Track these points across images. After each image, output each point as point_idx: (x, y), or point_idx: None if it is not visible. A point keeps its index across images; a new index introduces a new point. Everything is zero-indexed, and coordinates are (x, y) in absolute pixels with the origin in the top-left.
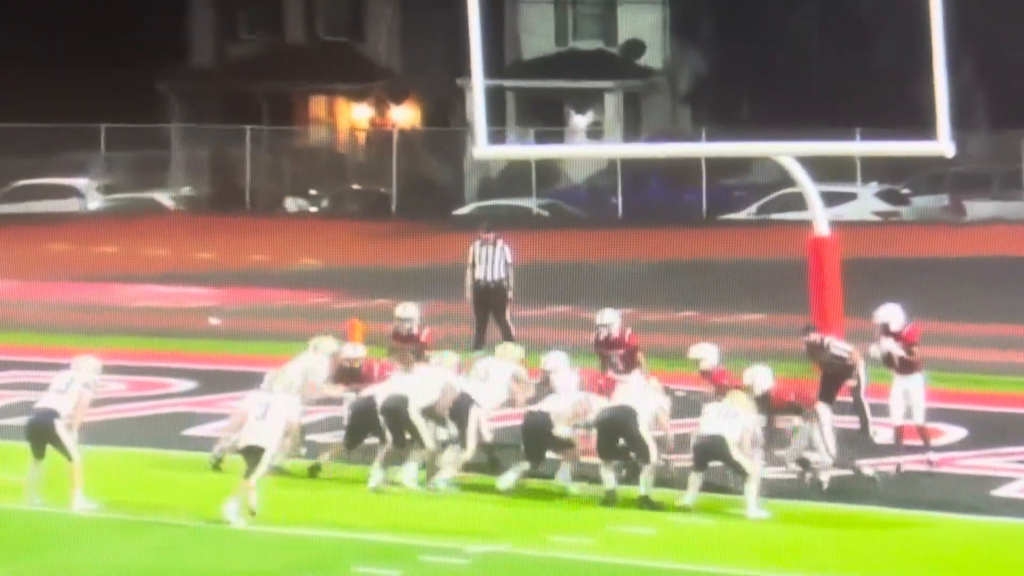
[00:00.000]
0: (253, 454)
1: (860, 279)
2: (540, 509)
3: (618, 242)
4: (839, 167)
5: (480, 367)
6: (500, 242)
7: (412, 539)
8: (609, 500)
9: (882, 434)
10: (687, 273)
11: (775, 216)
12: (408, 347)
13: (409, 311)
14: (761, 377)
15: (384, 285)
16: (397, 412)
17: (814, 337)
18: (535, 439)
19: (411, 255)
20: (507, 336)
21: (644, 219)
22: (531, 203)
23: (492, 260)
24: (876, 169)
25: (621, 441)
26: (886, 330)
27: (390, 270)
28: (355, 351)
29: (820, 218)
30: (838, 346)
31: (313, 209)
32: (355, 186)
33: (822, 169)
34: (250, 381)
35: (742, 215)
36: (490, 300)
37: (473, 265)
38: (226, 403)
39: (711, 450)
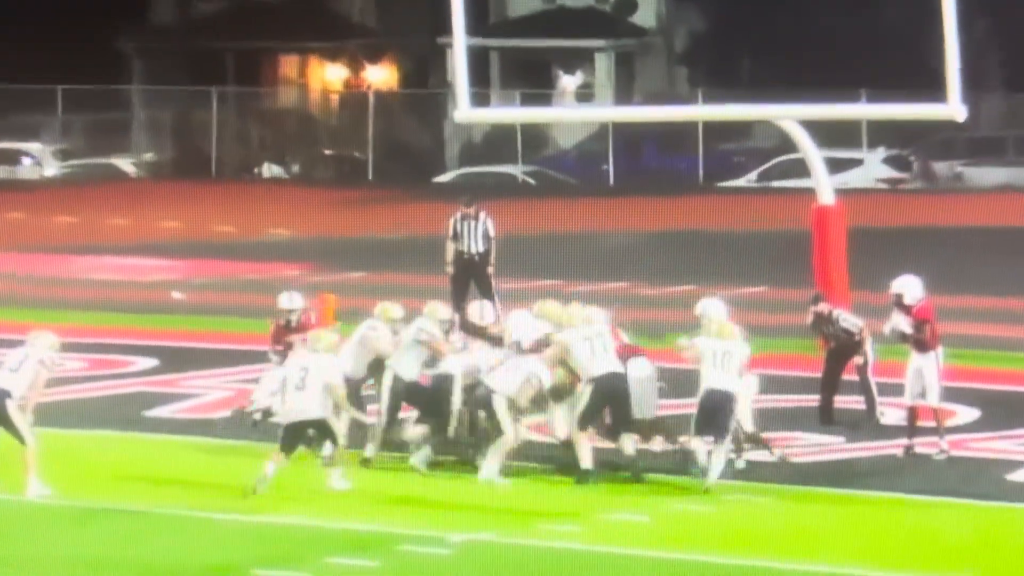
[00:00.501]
0: (312, 428)
1: (867, 250)
2: (525, 496)
3: (609, 211)
4: (844, 131)
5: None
6: (483, 215)
7: (390, 527)
8: (635, 471)
9: (890, 415)
10: (683, 244)
11: (776, 183)
12: (295, 338)
13: (295, 301)
14: (713, 308)
15: (359, 257)
16: (487, 403)
17: (822, 307)
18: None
19: (388, 225)
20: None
21: (637, 187)
22: (516, 170)
23: (474, 234)
24: (883, 133)
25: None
26: (899, 303)
27: (365, 240)
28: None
29: (824, 185)
30: (847, 319)
31: (284, 175)
32: (328, 151)
33: (826, 133)
34: (216, 359)
35: (741, 182)
36: (471, 276)
37: (455, 238)
38: (190, 382)
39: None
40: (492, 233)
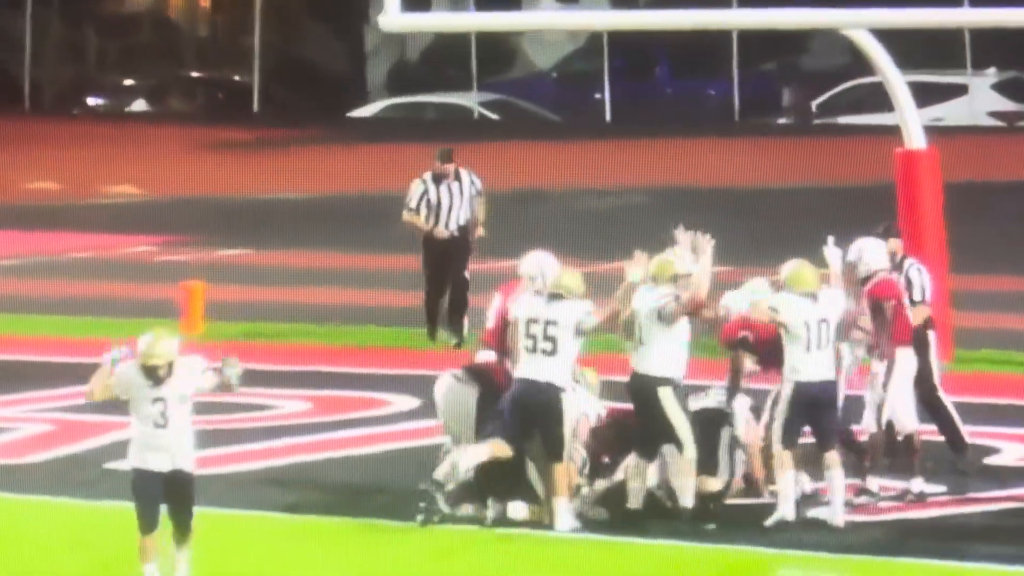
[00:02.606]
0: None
1: (972, 213)
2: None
3: (605, 159)
4: (940, 47)
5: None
6: (466, 174)
7: None
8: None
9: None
10: (710, 206)
11: (843, 119)
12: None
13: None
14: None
15: (240, 227)
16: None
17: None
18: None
19: (283, 180)
20: (458, 307)
21: (645, 125)
22: (471, 100)
23: (455, 205)
24: (995, 50)
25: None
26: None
27: (250, 203)
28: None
29: (912, 123)
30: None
31: (130, 110)
32: (195, 74)
33: (915, 50)
34: (32, 377)
35: (793, 118)
36: (449, 259)
37: (426, 210)
38: None
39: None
40: (480, 188)
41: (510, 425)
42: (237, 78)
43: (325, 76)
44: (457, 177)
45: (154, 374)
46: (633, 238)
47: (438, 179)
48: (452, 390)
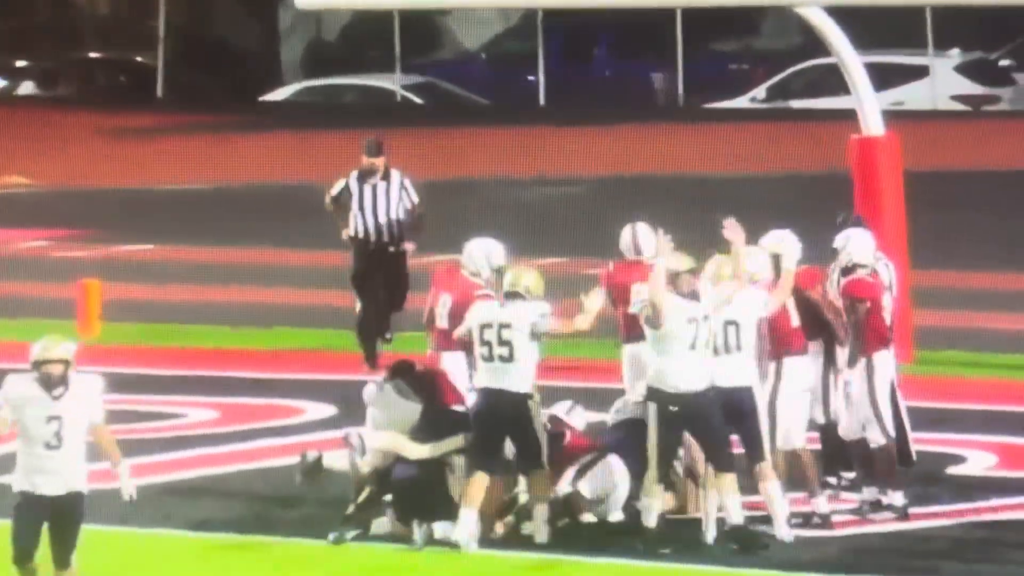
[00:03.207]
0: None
1: (935, 204)
2: None
3: (540, 146)
4: (900, 26)
5: None
6: (397, 174)
7: None
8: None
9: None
10: (653, 195)
11: (795, 104)
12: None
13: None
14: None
15: (142, 219)
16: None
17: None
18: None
19: (188, 169)
20: (395, 300)
21: (583, 110)
22: (394, 83)
23: (384, 206)
24: (959, 30)
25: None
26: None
27: (153, 194)
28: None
29: (869, 107)
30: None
31: (21, 92)
32: (95, 54)
33: (873, 28)
34: None
35: (742, 102)
36: (380, 271)
37: (353, 210)
38: None
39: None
40: (415, 200)
41: (478, 441)
42: (140, 59)
43: (235, 57)
44: (386, 177)
45: (50, 381)
46: (570, 233)
47: (363, 177)
48: (391, 403)
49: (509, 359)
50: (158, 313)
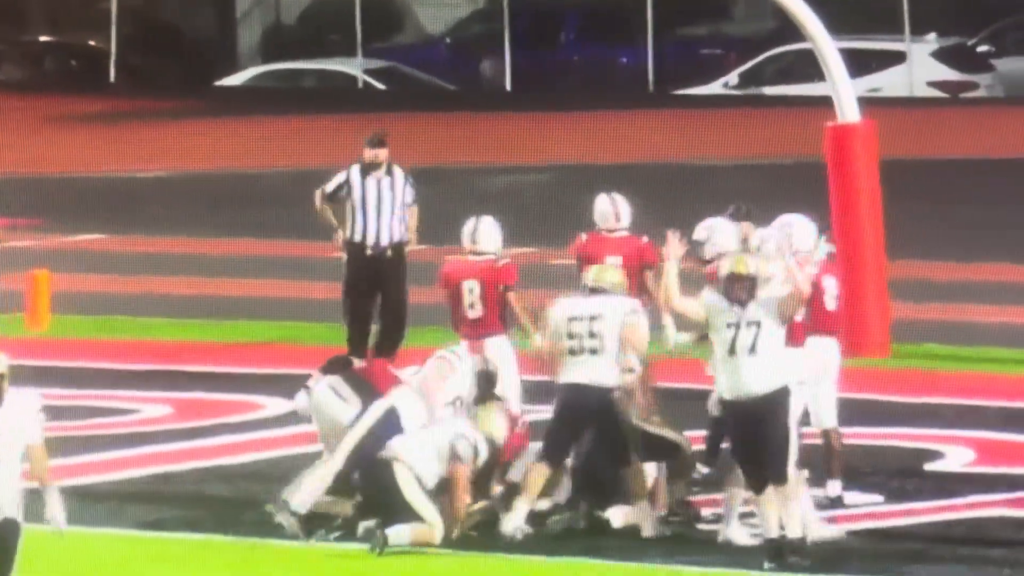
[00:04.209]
0: None
1: (912, 193)
2: None
3: (506, 132)
4: (876, 10)
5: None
6: (399, 171)
7: None
8: None
9: None
10: (621, 184)
11: (768, 90)
12: None
13: None
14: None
15: (94, 208)
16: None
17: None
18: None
19: (143, 156)
20: (390, 340)
21: (549, 95)
22: (355, 67)
23: (385, 207)
24: (936, 14)
25: None
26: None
27: (105, 181)
28: None
29: (845, 94)
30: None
31: None
32: (45, 37)
33: (849, 13)
34: None
35: (715, 88)
36: (380, 278)
37: (332, 197)
38: None
39: None
40: (411, 199)
41: (554, 434)
42: (92, 43)
43: (191, 41)
44: (389, 172)
45: None
46: (538, 222)
47: (366, 171)
48: (323, 405)
49: (599, 351)
50: (110, 305)
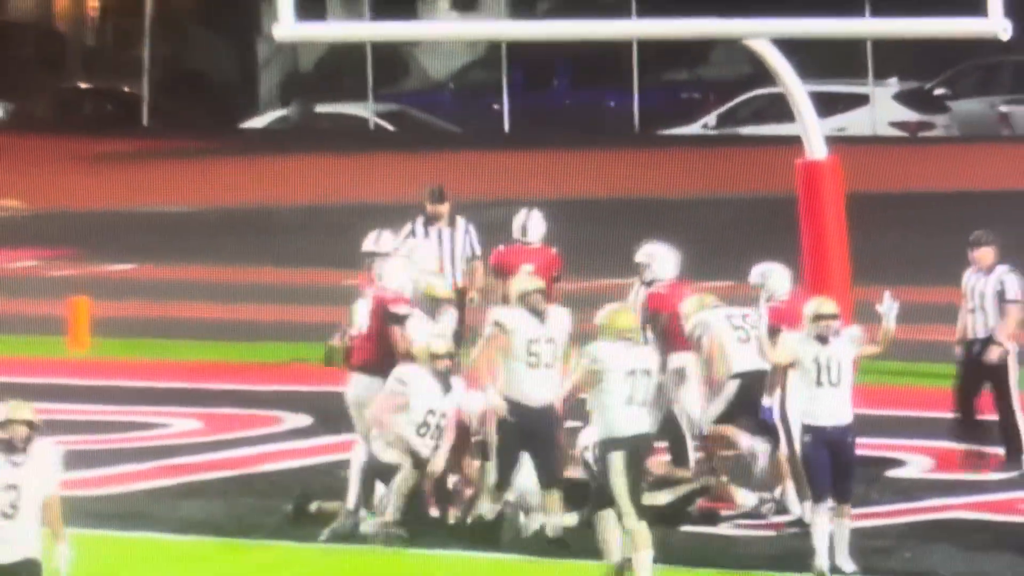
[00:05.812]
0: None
1: (876, 225)
2: None
3: (503, 169)
4: (842, 57)
5: None
6: (463, 222)
7: None
8: None
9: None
10: (609, 217)
11: (744, 130)
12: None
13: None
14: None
15: (129, 240)
16: None
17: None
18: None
19: (173, 192)
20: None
21: (544, 135)
22: (367, 111)
23: (449, 251)
24: (897, 60)
25: None
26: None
27: (140, 215)
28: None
29: (813, 133)
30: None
31: (14, 120)
32: (83, 84)
33: (817, 59)
34: None
35: (694, 129)
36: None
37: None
38: None
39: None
40: (477, 249)
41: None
42: (126, 89)
43: (216, 86)
44: (452, 223)
45: (12, 444)
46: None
47: (429, 223)
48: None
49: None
50: (143, 329)
